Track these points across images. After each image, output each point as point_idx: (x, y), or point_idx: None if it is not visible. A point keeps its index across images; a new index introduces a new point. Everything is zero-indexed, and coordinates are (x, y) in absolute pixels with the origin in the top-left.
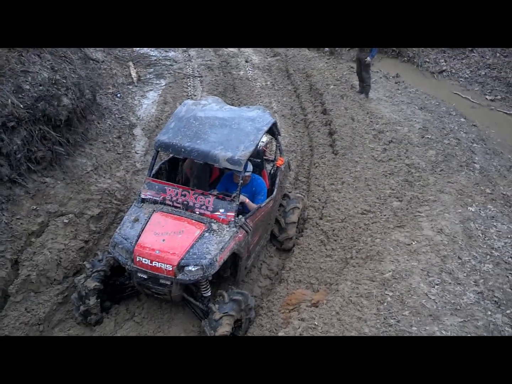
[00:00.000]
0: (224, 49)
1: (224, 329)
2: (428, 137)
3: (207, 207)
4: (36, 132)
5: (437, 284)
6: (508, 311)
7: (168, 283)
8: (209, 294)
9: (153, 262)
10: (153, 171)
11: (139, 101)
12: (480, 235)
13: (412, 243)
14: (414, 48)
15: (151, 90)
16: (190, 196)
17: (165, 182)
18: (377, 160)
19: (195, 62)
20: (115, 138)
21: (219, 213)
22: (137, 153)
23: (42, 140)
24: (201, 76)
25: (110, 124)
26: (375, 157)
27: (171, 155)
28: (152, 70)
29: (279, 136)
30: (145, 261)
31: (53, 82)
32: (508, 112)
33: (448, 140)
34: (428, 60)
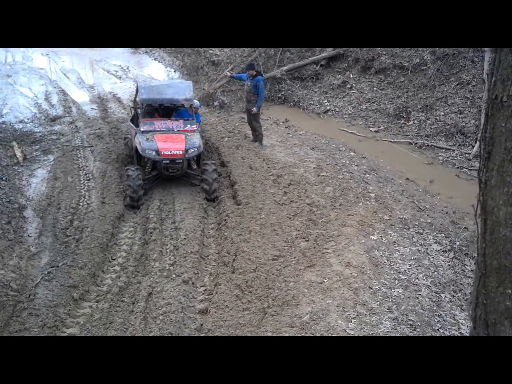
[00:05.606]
0: (113, 115)
1: (215, 176)
2: (323, 175)
3: (180, 126)
4: None
5: (353, 318)
6: (423, 333)
7: (181, 161)
8: (196, 167)
9: (172, 151)
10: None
11: (27, 181)
12: (386, 261)
13: (324, 281)
14: (298, 93)
15: (39, 167)
16: (169, 123)
17: (153, 118)
18: (280, 204)
19: (83, 132)
20: (4, 224)
21: (188, 127)
22: (30, 236)
23: None
24: (92, 146)
25: None
26: (277, 201)
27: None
28: (38, 147)
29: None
30: (167, 152)
31: None
32: (392, 140)
33: (342, 175)
34: (312, 103)
